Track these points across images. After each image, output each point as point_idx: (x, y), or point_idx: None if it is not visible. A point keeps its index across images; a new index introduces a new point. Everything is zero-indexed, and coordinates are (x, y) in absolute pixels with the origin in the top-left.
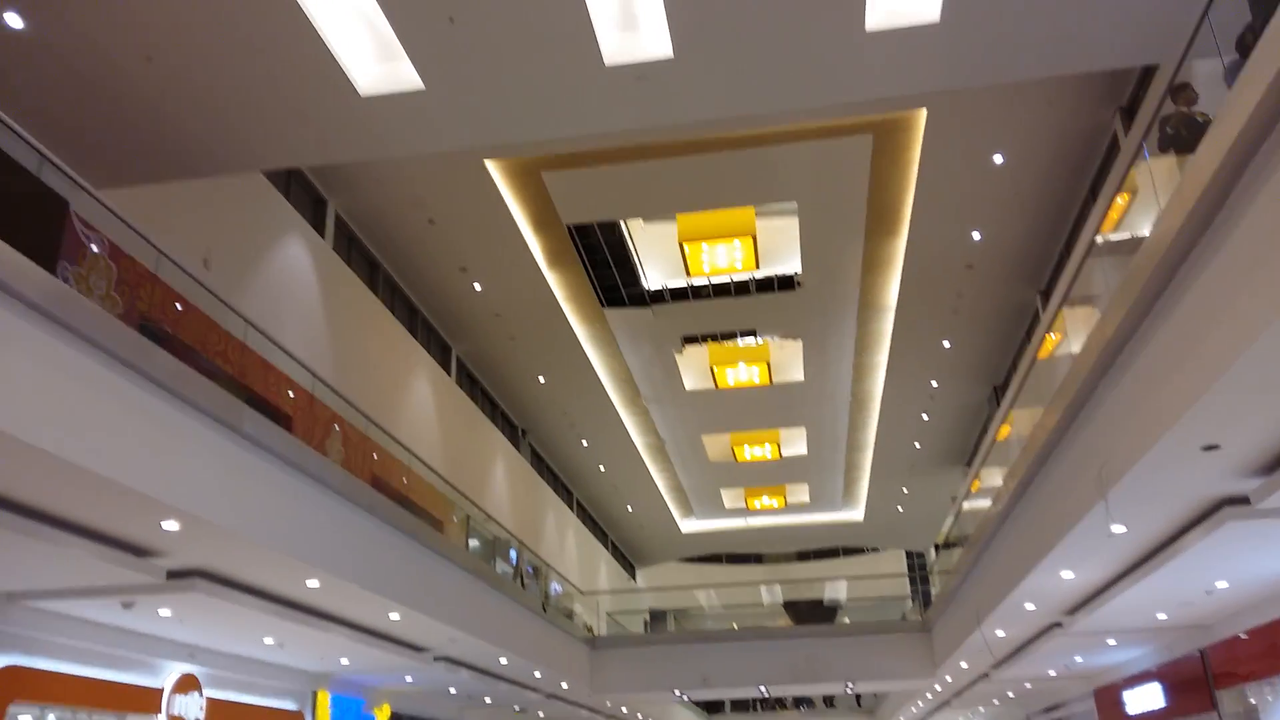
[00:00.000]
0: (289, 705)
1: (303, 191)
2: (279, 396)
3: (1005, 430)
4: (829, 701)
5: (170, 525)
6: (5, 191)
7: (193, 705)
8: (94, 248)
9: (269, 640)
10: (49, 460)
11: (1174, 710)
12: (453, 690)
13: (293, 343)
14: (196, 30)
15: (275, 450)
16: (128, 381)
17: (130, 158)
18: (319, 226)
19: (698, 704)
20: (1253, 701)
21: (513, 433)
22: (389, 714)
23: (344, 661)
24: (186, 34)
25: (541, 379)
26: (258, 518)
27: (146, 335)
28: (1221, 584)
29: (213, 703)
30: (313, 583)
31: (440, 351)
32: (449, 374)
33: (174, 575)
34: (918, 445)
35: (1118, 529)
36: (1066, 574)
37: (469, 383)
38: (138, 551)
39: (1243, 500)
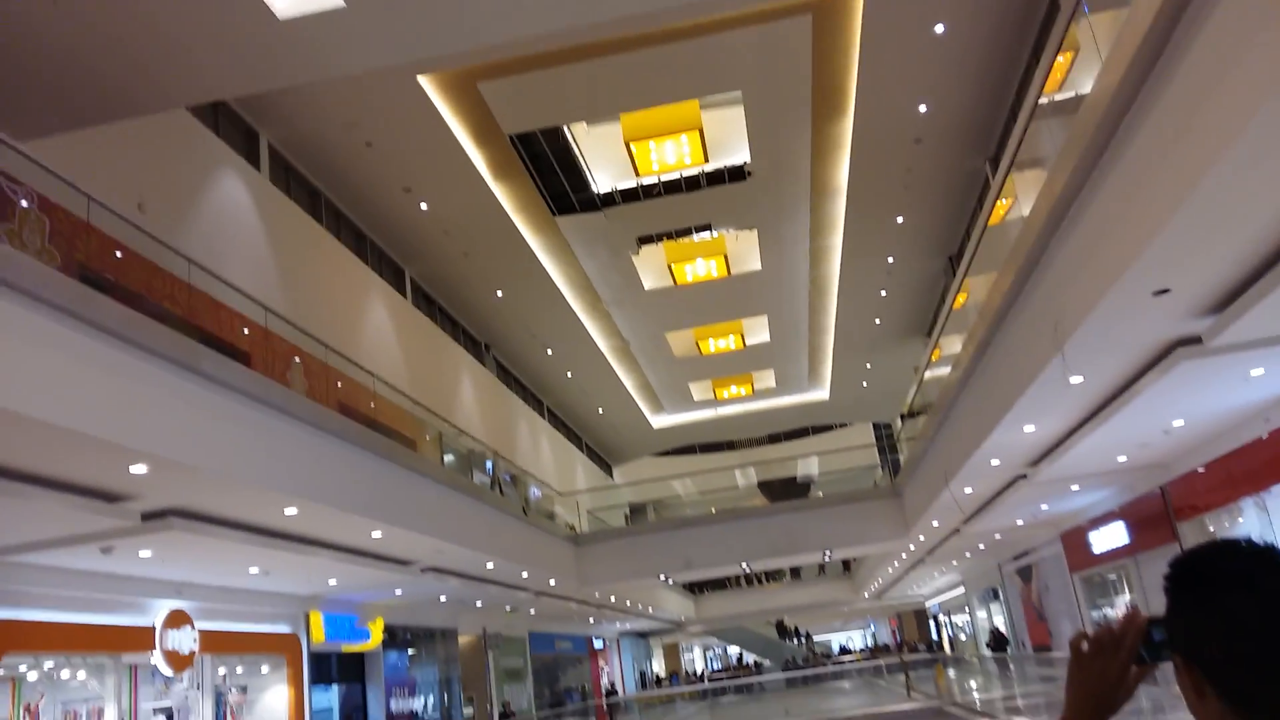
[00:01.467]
0: (283, 628)
1: (232, 126)
2: (233, 334)
3: (962, 298)
4: (821, 569)
5: (138, 469)
6: None
7: (186, 639)
8: (23, 202)
9: (254, 570)
10: (9, 417)
11: (1137, 545)
12: (443, 598)
13: (240, 279)
14: None
15: (236, 386)
16: (77, 332)
17: (48, 106)
18: (253, 159)
19: (683, 586)
20: (1212, 530)
21: (476, 348)
22: (382, 627)
23: (332, 582)
24: None
25: (499, 293)
26: (225, 453)
27: (89, 285)
28: (1178, 423)
29: (206, 634)
30: (290, 510)
31: (394, 275)
32: (405, 296)
33: (148, 517)
34: (878, 321)
35: (1076, 379)
36: (1028, 428)
37: (426, 303)
38: (109, 497)
39: (1195, 340)
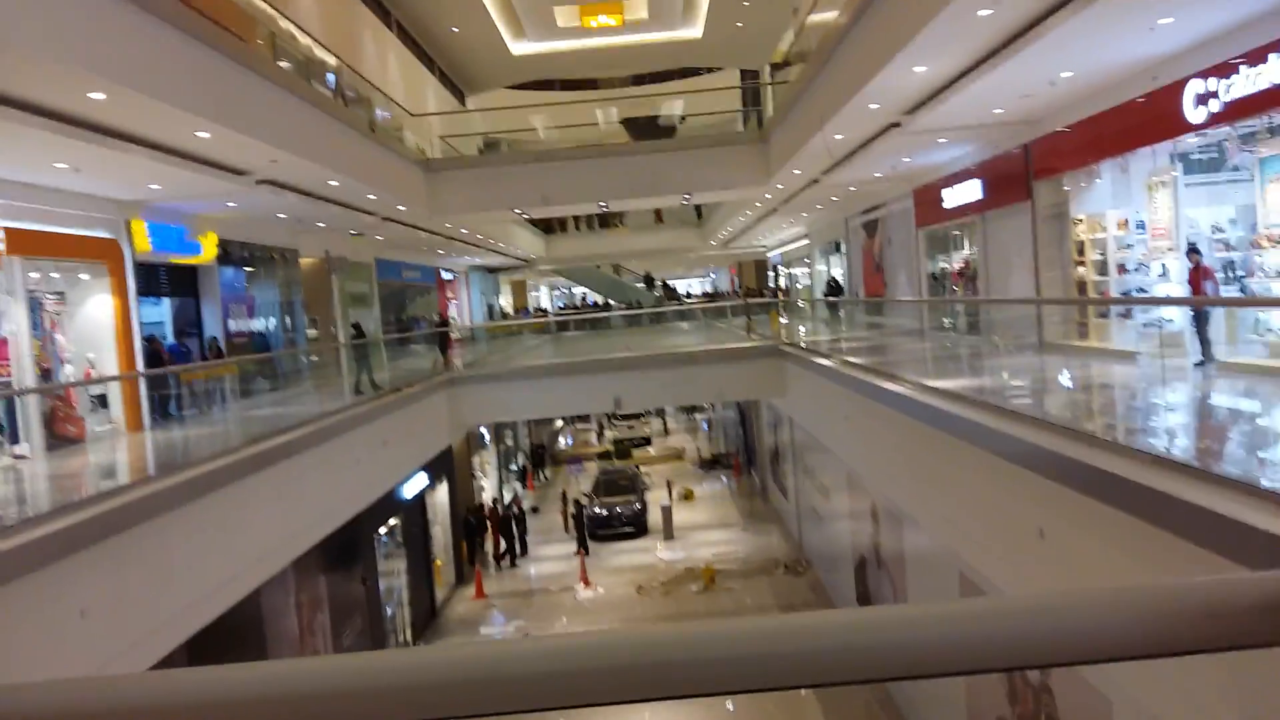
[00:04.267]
0: (101, 233)
1: None
2: None
3: None
4: (659, 216)
5: None
6: None
7: None
8: None
9: (61, 165)
10: None
11: (989, 204)
12: (282, 215)
13: None
14: None
15: None
16: None
17: None
18: None
19: (534, 223)
20: (1066, 189)
21: None
22: (215, 241)
23: (155, 187)
24: None
25: None
26: (9, 10)
27: None
28: (1067, 74)
29: (14, 233)
30: (97, 95)
31: None
32: None
33: None
34: None
35: (985, 11)
36: (919, 68)
37: None
38: None
39: None
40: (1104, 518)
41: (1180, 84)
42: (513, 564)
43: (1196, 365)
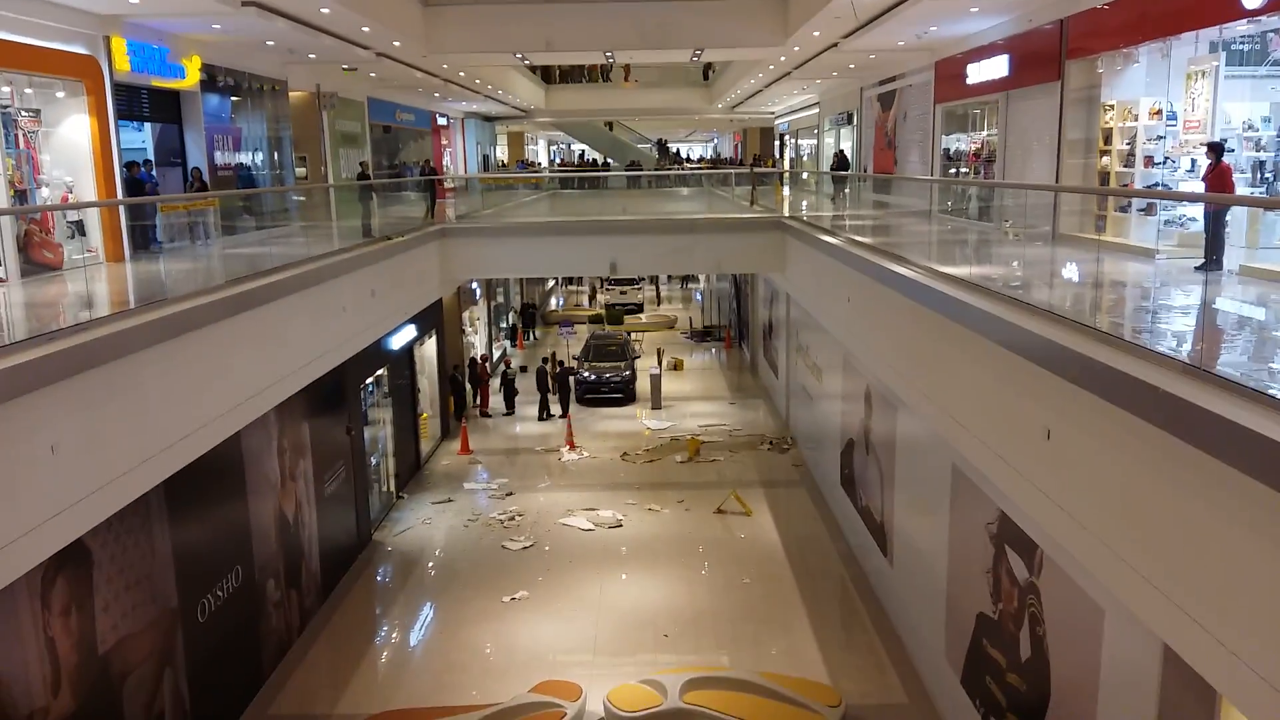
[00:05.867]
0: (78, 48)
1: None
2: None
3: None
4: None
5: None
6: None
7: None
8: None
9: None
10: None
11: (1015, 81)
12: (271, 43)
13: None
14: None
15: None
16: None
17: None
18: None
19: (535, 71)
20: (1100, 71)
21: None
22: (199, 65)
23: (134, 1)
24: None
25: None
26: None
27: None
28: None
29: None
30: None
31: None
32: None
33: None
34: None
35: None
36: None
37: None
38: None
39: None
40: (1123, 425)
41: None
42: (507, 411)
43: (1197, 268)
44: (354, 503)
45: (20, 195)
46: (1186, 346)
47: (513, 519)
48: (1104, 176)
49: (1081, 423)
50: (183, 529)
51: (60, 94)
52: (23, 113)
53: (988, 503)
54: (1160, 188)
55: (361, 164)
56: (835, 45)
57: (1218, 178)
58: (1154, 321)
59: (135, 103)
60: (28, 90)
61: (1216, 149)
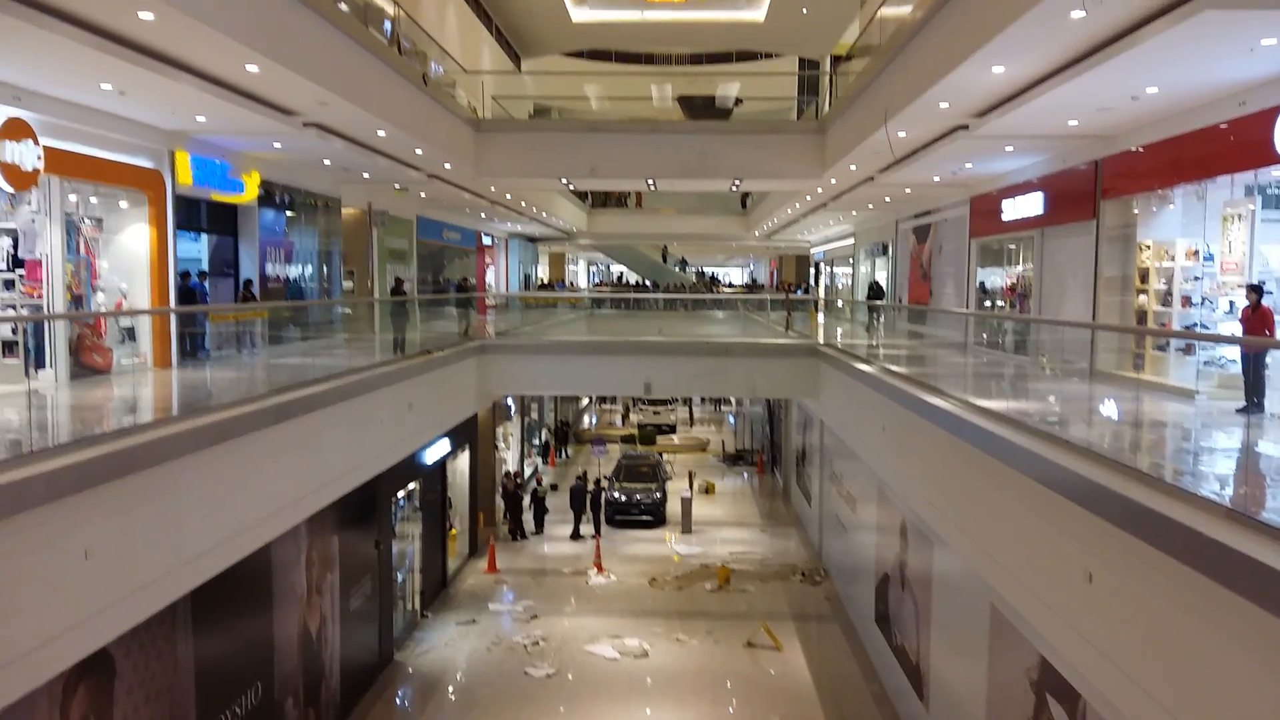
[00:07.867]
0: (144, 162)
1: None
2: None
3: None
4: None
5: None
6: None
7: (28, 154)
8: None
9: (107, 86)
10: None
11: (1051, 219)
12: (327, 162)
13: None
14: None
15: None
16: None
17: None
18: None
19: (579, 195)
20: (1135, 211)
21: None
22: (258, 181)
23: (201, 119)
24: None
25: None
26: None
27: None
28: (1152, 89)
29: (55, 153)
30: (146, 15)
31: None
32: None
33: None
34: None
35: (1078, 14)
36: (997, 68)
37: None
38: None
39: None
40: (1169, 572)
41: (1272, 112)
42: (534, 534)
43: (1239, 410)
44: (378, 620)
45: (76, 300)
46: (1229, 490)
47: (536, 644)
48: (1141, 315)
49: (1126, 567)
50: (206, 641)
51: (123, 204)
52: (86, 220)
53: (1028, 647)
54: (1198, 328)
55: (396, 279)
56: (871, 179)
57: (1259, 320)
58: (1195, 463)
59: (194, 214)
60: (93, 199)
61: (1257, 291)
